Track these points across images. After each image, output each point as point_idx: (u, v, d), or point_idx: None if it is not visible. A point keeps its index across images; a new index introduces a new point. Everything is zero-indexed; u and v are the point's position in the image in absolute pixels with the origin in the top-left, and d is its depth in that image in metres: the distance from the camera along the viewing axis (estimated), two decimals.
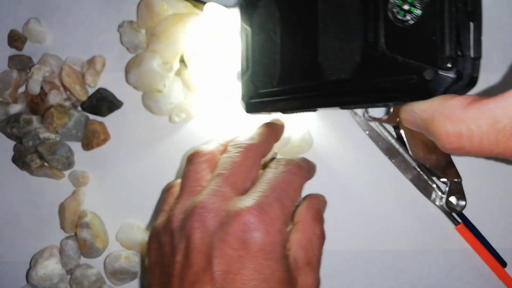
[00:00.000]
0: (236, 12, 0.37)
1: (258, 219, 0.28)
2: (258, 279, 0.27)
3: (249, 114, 0.36)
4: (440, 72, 0.22)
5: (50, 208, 0.43)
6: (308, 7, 0.29)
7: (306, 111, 0.33)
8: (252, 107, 0.35)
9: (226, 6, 0.39)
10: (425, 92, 0.23)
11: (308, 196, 0.35)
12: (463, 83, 0.23)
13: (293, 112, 0.34)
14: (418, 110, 0.24)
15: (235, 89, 0.39)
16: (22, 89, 0.44)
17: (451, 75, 0.22)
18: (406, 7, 0.23)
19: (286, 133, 0.41)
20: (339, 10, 0.27)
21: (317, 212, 0.33)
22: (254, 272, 0.27)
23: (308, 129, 0.41)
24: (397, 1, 0.24)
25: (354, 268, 0.42)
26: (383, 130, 0.41)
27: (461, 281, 0.42)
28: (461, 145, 0.23)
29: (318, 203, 0.34)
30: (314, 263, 0.32)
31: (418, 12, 0.23)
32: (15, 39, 0.43)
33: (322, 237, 0.33)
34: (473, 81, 0.23)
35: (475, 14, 0.22)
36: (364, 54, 0.26)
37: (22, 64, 0.43)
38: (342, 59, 0.27)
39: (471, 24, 0.23)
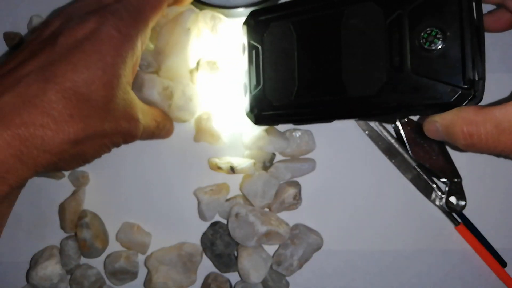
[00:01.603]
0: (241, 30, 0.38)
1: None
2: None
3: (256, 126, 0.38)
4: (462, 91, 0.29)
5: (50, 208, 0.44)
6: (329, 32, 0.34)
7: (322, 122, 0.36)
8: (263, 119, 0.37)
9: (225, 6, 0.39)
10: (448, 106, 0.30)
11: None
12: (477, 100, 0.29)
13: (306, 123, 0.37)
14: (440, 119, 0.30)
15: (238, 98, 0.39)
16: None
17: (470, 93, 0.29)
18: (431, 39, 0.30)
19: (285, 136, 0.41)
20: (362, 36, 0.32)
21: None
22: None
23: (310, 131, 0.42)
24: (423, 35, 0.30)
25: (354, 268, 0.42)
26: (383, 130, 0.41)
27: (461, 281, 0.42)
28: (473, 142, 0.29)
29: None
30: None
31: (441, 44, 0.29)
32: (12, 39, 0.43)
33: None
34: (481, 99, 0.30)
35: (481, 50, 0.29)
36: (390, 75, 0.31)
37: None
38: (366, 78, 0.32)
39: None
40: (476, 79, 0.29)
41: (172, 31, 0.39)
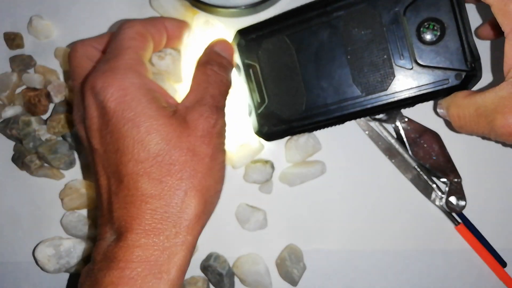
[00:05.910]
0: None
1: None
2: None
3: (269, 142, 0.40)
4: (467, 74, 0.32)
5: (50, 208, 0.44)
6: (329, 39, 0.35)
7: (334, 125, 0.37)
8: (274, 134, 0.38)
9: (225, 6, 0.39)
10: (456, 89, 0.33)
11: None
12: (478, 79, 0.33)
13: (319, 130, 0.37)
14: (443, 102, 0.34)
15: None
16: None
17: (473, 74, 0.32)
18: (430, 31, 0.32)
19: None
20: (364, 38, 0.34)
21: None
22: None
23: (314, 133, 0.41)
24: (422, 29, 0.33)
25: (354, 268, 0.42)
26: (383, 130, 0.41)
27: (461, 281, 0.42)
28: (461, 124, 0.32)
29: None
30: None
31: (440, 34, 0.32)
32: (12, 39, 0.43)
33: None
34: (480, 77, 0.33)
35: (472, 34, 0.32)
36: (398, 71, 0.34)
37: (25, 63, 0.43)
38: (375, 77, 0.34)
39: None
40: (475, 60, 0.32)
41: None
